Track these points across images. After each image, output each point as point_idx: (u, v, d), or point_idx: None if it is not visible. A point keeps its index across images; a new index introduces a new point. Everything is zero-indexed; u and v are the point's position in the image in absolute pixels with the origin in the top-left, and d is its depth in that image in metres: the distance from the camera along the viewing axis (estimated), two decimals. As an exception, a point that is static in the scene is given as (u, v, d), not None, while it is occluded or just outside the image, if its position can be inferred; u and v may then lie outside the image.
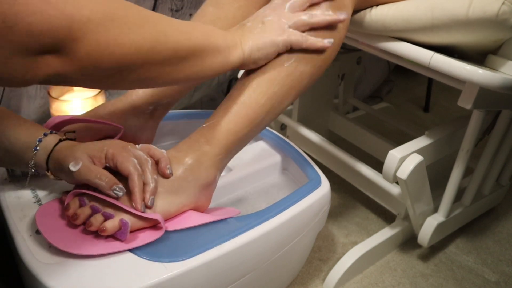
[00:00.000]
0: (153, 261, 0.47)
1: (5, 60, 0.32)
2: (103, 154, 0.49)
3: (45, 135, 0.53)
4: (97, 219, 0.47)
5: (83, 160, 0.48)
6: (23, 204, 0.55)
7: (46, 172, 0.53)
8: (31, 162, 0.52)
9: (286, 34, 0.53)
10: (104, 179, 0.48)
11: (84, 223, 0.48)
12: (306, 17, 0.54)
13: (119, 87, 0.46)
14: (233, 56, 0.51)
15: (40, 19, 0.32)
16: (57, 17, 0.33)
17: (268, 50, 0.53)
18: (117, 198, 0.49)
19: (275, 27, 0.53)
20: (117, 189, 0.48)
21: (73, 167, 0.48)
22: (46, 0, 0.32)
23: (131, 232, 0.49)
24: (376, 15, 0.64)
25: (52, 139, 0.53)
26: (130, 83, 0.44)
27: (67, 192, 0.52)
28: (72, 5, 0.34)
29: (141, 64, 0.41)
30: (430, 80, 1.42)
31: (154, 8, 1.00)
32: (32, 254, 0.47)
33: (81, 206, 0.49)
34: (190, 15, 1.04)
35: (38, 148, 0.52)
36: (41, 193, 0.57)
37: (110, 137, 0.66)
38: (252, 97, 0.54)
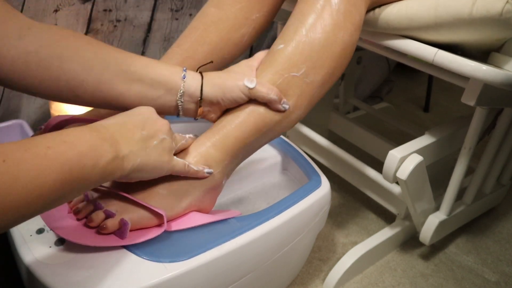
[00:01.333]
0: (153, 261, 0.47)
1: None
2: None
3: (184, 70, 0.53)
4: (98, 216, 0.48)
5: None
6: (23, 204, 0.54)
7: (199, 100, 0.53)
8: (180, 90, 0.52)
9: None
10: (276, 93, 0.52)
11: (85, 217, 0.49)
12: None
13: None
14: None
15: None
16: None
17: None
18: (284, 111, 0.54)
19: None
20: (286, 102, 0.53)
21: (249, 83, 0.52)
22: None
23: (133, 230, 0.49)
24: (380, 13, 0.64)
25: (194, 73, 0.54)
26: None
27: None
28: None
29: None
30: (430, 80, 1.42)
31: (154, 8, 1.00)
32: (32, 254, 0.47)
33: (84, 199, 0.50)
34: (190, 15, 1.04)
35: (185, 76, 0.52)
36: (41, 193, 0.56)
37: None
38: (261, 106, 0.54)
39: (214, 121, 0.56)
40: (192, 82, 0.53)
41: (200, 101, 0.53)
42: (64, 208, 0.50)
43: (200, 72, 0.54)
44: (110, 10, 0.94)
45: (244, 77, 0.53)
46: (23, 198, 0.33)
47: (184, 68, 0.53)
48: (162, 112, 0.53)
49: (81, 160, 0.38)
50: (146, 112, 0.48)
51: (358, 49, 1.07)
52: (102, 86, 0.49)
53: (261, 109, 0.54)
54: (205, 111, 0.55)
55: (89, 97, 0.49)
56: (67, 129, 0.40)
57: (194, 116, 0.55)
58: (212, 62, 0.64)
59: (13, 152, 0.33)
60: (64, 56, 0.46)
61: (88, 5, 0.91)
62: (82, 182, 0.38)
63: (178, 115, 0.54)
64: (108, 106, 0.52)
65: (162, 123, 0.48)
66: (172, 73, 0.52)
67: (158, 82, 0.51)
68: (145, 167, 0.45)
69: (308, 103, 0.57)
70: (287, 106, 0.54)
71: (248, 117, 0.54)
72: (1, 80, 0.44)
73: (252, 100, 0.54)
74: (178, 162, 0.49)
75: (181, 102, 0.53)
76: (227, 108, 0.55)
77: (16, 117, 0.91)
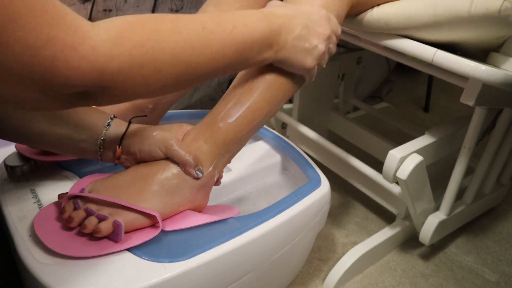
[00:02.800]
0: (152, 261, 0.47)
1: (40, 100, 0.36)
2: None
3: (114, 117, 0.55)
4: (91, 221, 0.47)
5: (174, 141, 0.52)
6: (23, 204, 0.55)
7: (118, 147, 0.53)
8: (101, 137, 0.53)
9: None
10: (193, 157, 0.51)
11: (79, 225, 0.48)
12: None
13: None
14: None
15: (75, 74, 0.35)
16: (89, 70, 0.35)
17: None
18: (197, 178, 0.52)
19: None
20: (200, 170, 0.52)
21: (175, 145, 0.52)
22: (81, 55, 0.34)
23: (128, 232, 0.49)
24: (378, 13, 0.64)
25: (120, 122, 0.55)
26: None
27: (63, 195, 0.52)
28: (103, 58, 0.36)
29: (166, 92, 0.44)
30: (430, 80, 1.42)
31: (154, 8, 1.00)
32: (31, 254, 0.47)
33: (75, 209, 0.49)
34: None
35: (110, 124, 0.54)
36: (41, 193, 0.57)
37: None
38: (251, 99, 0.54)
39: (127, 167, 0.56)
40: (116, 127, 0.54)
41: (119, 148, 0.54)
42: (58, 221, 0.50)
43: (129, 121, 0.55)
44: (110, 10, 0.94)
45: (170, 136, 0.53)
46: (209, 60, 0.43)
47: (111, 116, 0.55)
48: (84, 155, 0.56)
49: (252, 45, 0.47)
50: (316, 14, 0.52)
51: (358, 49, 1.07)
52: (26, 124, 0.51)
53: (250, 102, 0.54)
54: (122, 158, 0.55)
55: (13, 134, 0.51)
56: (249, 12, 0.48)
57: (113, 161, 0.56)
58: (146, 116, 0.65)
59: (209, 23, 0.43)
60: None
61: (88, 5, 0.91)
62: (245, 62, 0.48)
63: (100, 159, 0.55)
64: (31, 143, 0.54)
65: (321, 31, 0.51)
66: (97, 119, 0.54)
67: (81, 127, 0.53)
68: (288, 62, 0.52)
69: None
70: (200, 174, 0.52)
71: (238, 111, 0.54)
72: None
73: (240, 93, 0.54)
74: (313, 72, 0.54)
75: (101, 149, 0.54)
76: (143, 160, 0.54)
77: (16, 117, 0.91)
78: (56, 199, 0.53)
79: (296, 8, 0.52)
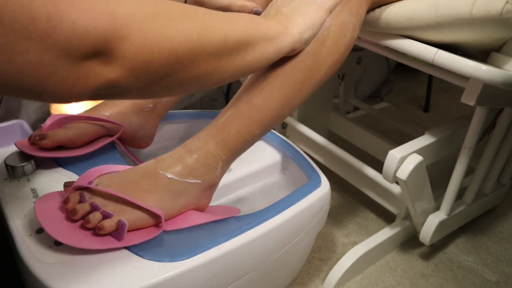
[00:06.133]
0: (153, 260, 0.47)
1: (52, 68, 0.31)
2: None
3: None
4: (95, 217, 0.47)
5: None
6: (23, 204, 0.55)
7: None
8: None
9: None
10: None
11: (82, 219, 0.48)
12: None
13: (173, 92, 0.43)
14: (284, 42, 0.49)
15: (83, 17, 0.31)
16: (100, 14, 0.32)
17: (316, 26, 0.53)
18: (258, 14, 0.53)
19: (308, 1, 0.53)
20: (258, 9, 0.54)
21: None
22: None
23: (131, 230, 0.49)
24: (380, 13, 0.64)
25: None
26: (183, 85, 0.41)
27: (70, 183, 0.52)
28: (113, 2, 0.33)
29: (192, 58, 0.39)
30: (430, 80, 1.42)
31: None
32: (32, 254, 0.47)
33: (80, 201, 0.49)
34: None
35: None
36: (41, 193, 0.57)
37: (110, 135, 0.66)
38: (264, 100, 0.54)
39: None
40: None
41: None
42: (60, 210, 0.50)
43: None
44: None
45: None
46: (225, 30, 0.42)
47: None
48: None
49: (264, 37, 0.47)
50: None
51: (358, 49, 1.07)
52: None
53: (262, 102, 0.54)
54: None
55: None
56: (257, 17, 0.49)
57: None
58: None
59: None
60: None
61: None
62: (261, 42, 0.47)
63: None
64: None
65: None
66: None
67: None
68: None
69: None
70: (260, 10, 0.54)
71: (250, 112, 0.54)
72: None
73: (252, 93, 0.54)
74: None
75: None
76: None
77: (16, 117, 0.91)
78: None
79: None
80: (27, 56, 0.29)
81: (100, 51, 0.33)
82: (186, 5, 0.40)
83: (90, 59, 0.32)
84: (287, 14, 0.52)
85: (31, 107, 0.92)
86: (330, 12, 0.54)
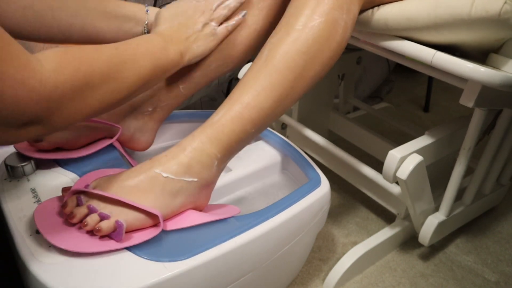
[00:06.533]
0: (152, 260, 0.47)
1: None
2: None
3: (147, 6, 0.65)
4: (93, 218, 0.48)
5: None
6: (23, 204, 0.55)
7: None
8: (145, 21, 0.64)
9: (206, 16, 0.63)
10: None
11: (81, 222, 0.48)
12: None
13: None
14: (175, 68, 0.59)
15: (24, 105, 0.38)
16: (38, 100, 0.39)
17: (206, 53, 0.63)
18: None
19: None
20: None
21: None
22: (30, 88, 0.38)
23: (129, 231, 0.49)
24: (378, 14, 0.64)
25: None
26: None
27: (67, 189, 0.52)
28: (49, 88, 0.40)
29: (107, 107, 0.49)
30: (430, 80, 1.42)
31: (154, 8, 0.99)
32: (32, 254, 0.47)
33: (78, 205, 0.50)
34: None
35: (148, 10, 0.64)
36: (41, 193, 0.57)
37: (110, 137, 0.66)
38: (257, 100, 0.54)
39: None
40: (153, 14, 0.64)
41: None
42: (59, 215, 0.50)
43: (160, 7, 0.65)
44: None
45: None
46: (130, 80, 0.50)
47: (146, 5, 0.66)
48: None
49: (161, 54, 0.55)
50: (183, 6, 0.63)
51: (358, 49, 1.07)
52: (87, 27, 0.61)
53: (255, 102, 0.54)
54: None
55: (77, 37, 0.61)
56: (145, 36, 0.57)
57: None
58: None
59: (120, 45, 0.51)
60: (54, 6, 0.57)
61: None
62: (161, 70, 0.55)
63: None
64: (93, 41, 0.63)
65: (197, 15, 0.62)
66: (139, 9, 0.65)
67: (129, 16, 0.63)
68: (199, 54, 0.62)
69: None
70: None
71: (243, 111, 0.54)
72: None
73: (245, 93, 0.54)
74: (221, 33, 0.64)
75: (146, 29, 0.64)
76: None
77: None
78: (57, 199, 0.53)
79: (164, 17, 0.62)
80: None
81: (33, 122, 0.41)
82: (106, 61, 0.48)
83: (24, 127, 0.41)
84: (190, 41, 0.61)
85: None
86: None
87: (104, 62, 0.47)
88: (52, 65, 0.41)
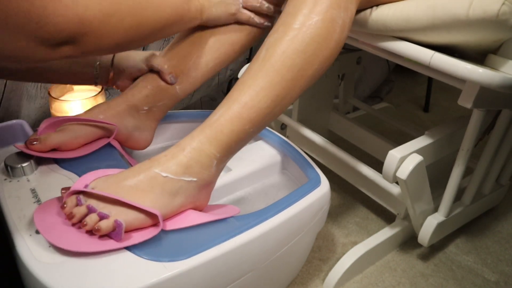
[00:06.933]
0: (152, 260, 0.47)
1: (33, 49, 0.45)
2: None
3: None
4: (92, 218, 0.48)
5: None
6: (23, 204, 0.55)
7: (110, 67, 0.67)
8: (96, 62, 0.67)
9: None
10: (168, 67, 0.67)
11: (80, 222, 0.49)
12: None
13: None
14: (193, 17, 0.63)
15: (62, 21, 0.44)
16: (73, 17, 0.45)
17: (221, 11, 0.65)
18: (171, 84, 0.67)
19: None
20: (173, 77, 0.67)
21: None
22: (65, 5, 0.44)
23: (129, 231, 0.49)
24: (376, 14, 0.64)
25: None
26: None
27: (66, 189, 0.52)
28: (81, 7, 0.46)
29: (130, 41, 0.54)
30: (430, 80, 1.42)
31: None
32: (31, 254, 0.47)
33: (77, 204, 0.50)
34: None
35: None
36: (41, 193, 0.57)
37: (106, 136, 0.66)
38: (255, 100, 0.54)
39: (122, 90, 0.70)
40: (107, 57, 0.67)
41: (111, 68, 0.68)
42: (58, 216, 0.50)
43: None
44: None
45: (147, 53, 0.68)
46: (152, 19, 0.55)
47: None
48: (81, 82, 0.70)
49: (183, 5, 0.60)
50: None
51: (358, 49, 1.07)
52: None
53: (254, 102, 0.54)
54: (115, 78, 0.69)
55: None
56: None
57: (107, 82, 0.70)
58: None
59: None
60: None
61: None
62: (181, 20, 0.60)
63: (95, 84, 0.70)
64: (43, 80, 0.68)
65: None
66: None
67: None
68: (215, 17, 0.65)
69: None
70: (173, 80, 0.67)
71: (242, 111, 0.53)
72: None
73: (244, 92, 0.54)
74: (243, 15, 0.67)
75: (97, 71, 0.67)
76: (134, 77, 0.70)
77: (16, 117, 0.91)
78: (57, 199, 0.53)
79: None
80: (19, 43, 0.43)
81: (68, 41, 0.47)
82: (130, 2, 0.52)
83: (60, 46, 0.46)
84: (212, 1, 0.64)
85: (31, 107, 0.92)
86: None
87: (134, 0, 0.53)
88: None
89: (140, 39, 0.56)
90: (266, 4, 0.68)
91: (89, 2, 0.46)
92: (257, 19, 0.68)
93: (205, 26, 0.68)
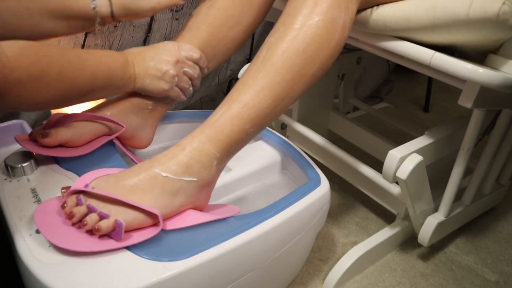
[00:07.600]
0: (152, 260, 0.47)
1: None
2: None
3: None
4: (92, 218, 0.48)
5: None
6: (23, 204, 0.55)
7: (110, 12, 0.63)
8: (98, 20, 0.63)
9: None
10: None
11: (80, 221, 0.49)
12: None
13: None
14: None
15: None
16: None
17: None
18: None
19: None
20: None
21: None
22: None
23: (129, 231, 0.49)
24: (377, 14, 0.64)
25: None
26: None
27: (67, 188, 0.52)
28: (6, 69, 0.45)
29: (56, 102, 0.53)
30: (430, 80, 1.42)
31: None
32: (32, 253, 0.47)
33: (78, 204, 0.50)
34: (190, 15, 1.04)
35: (96, 7, 0.62)
36: (41, 193, 0.57)
37: (108, 134, 0.66)
38: (256, 99, 0.54)
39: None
40: (102, 8, 0.63)
41: (113, 18, 0.65)
42: (58, 215, 0.50)
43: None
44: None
45: None
46: (82, 84, 0.54)
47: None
48: (82, 30, 0.66)
49: (117, 70, 0.59)
50: (166, 46, 0.65)
51: (358, 49, 1.07)
52: (36, 28, 0.60)
53: (254, 102, 0.54)
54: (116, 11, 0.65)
55: (30, 36, 0.60)
56: (112, 53, 0.60)
57: (111, 21, 0.66)
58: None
59: (82, 52, 0.55)
60: None
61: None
62: (113, 87, 0.59)
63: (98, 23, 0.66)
64: (50, 38, 0.63)
65: (168, 58, 0.64)
66: (84, 5, 0.63)
67: (77, 16, 0.62)
68: (147, 89, 0.64)
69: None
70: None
71: (242, 111, 0.53)
72: None
73: (245, 92, 0.54)
74: (174, 92, 0.66)
75: (99, 20, 0.64)
76: (138, 13, 0.66)
77: (16, 117, 0.92)
78: (57, 199, 0.53)
79: (152, 45, 0.65)
80: None
81: None
82: (66, 61, 0.52)
83: None
84: (147, 72, 0.63)
85: (31, 107, 0.92)
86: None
87: (63, 65, 0.51)
88: (13, 53, 0.46)
89: (66, 101, 0.54)
90: (197, 74, 0.68)
91: (17, 64, 0.46)
92: (183, 97, 0.69)
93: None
